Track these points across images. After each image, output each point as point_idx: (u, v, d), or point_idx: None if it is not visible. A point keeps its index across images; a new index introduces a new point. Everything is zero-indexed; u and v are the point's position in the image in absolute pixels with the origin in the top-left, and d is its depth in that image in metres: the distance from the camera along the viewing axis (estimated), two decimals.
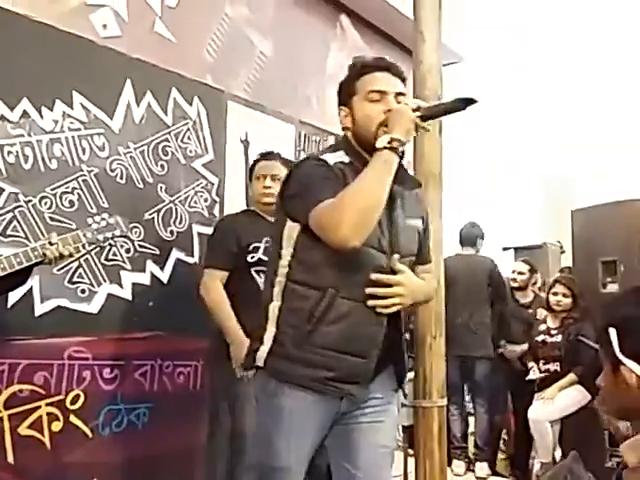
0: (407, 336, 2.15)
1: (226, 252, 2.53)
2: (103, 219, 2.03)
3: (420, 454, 2.30)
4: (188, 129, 3.05)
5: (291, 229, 1.67)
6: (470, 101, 1.59)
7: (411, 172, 2.11)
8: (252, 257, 2.52)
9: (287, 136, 3.54)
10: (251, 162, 2.87)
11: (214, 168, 3.16)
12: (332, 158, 1.69)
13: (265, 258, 2.52)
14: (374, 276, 1.61)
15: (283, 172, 2.63)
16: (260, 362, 1.64)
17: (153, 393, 2.79)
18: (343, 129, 1.81)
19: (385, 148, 1.57)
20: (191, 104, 3.06)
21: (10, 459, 2.30)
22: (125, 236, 2.16)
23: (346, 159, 1.71)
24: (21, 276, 1.91)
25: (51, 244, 1.88)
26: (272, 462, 1.57)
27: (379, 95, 1.70)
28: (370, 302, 1.61)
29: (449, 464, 3.27)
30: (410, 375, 2.18)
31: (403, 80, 1.76)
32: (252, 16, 3.43)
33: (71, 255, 1.95)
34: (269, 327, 1.63)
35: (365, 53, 3.53)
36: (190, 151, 3.06)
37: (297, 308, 1.63)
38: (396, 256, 1.66)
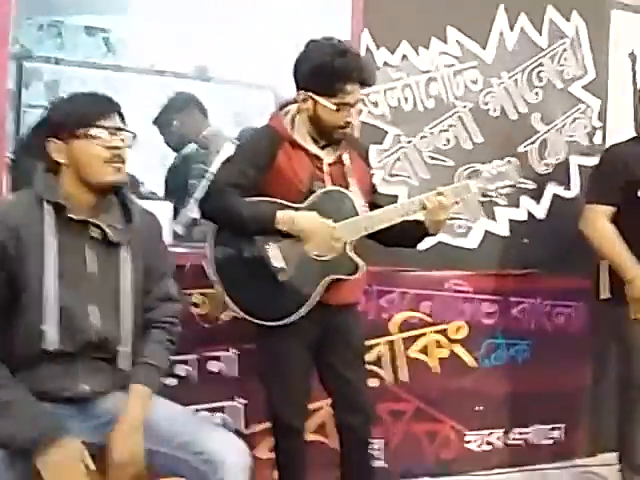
0: None
1: (613, 187, 2.26)
2: (495, 167, 1.93)
3: None
4: (565, 49, 2.78)
5: None
6: None
7: None
8: None
9: None
10: None
11: (595, 90, 2.83)
12: None
13: None
14: None
15: None
16: None
17: (532, 331, 2.73)
18: None
19: None
20: (569, 20, 2.77)
21: (404, 377, 2.54)
22: (516, 186, 2.03)
23: None
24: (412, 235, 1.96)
25: (440, 194, 1.88)
26: None
27: None
28: None
29: None
30: None
31: None
32: None
33: (457, 203, 1.91)
34: None
35: None
36: (567, 73, 2.79)
37: None
38: None
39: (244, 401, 2.29)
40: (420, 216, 1.91)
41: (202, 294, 2.21)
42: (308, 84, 1.85)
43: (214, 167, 2.31)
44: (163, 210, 2.15)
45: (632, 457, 2.27)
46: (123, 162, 1.49)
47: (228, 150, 2.37)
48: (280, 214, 1.82)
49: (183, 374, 2.20)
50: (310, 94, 1.85)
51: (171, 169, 2.51)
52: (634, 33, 2.85)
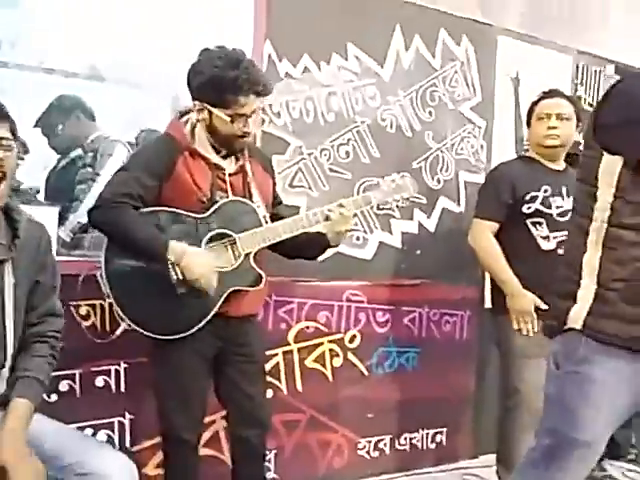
0: None
1: (499, 203, 2.42)
2: (393, 180, 2.02)
3: None
4: (456, 71, 2.94)
5: (611, 164, 1.41)
6: None
7: None
8: (528, 208, 2.37)
9: (563, 69, 3.21)
10: (524, 102, 2.67)
11: (482, 111, 3.01)
12: None
13: (543, 209, 2.37)
14: None
15: (569, 110, 2.41)
16: (576, 323, 1.45)
17: (421, 339, 2.85)
18: None
19: None
20: (459, 44, 2.93)
21: (299, 387, 2.56)
22: (410, 199, 2.12)
23: None
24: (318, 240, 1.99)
25: (341, 206, 1.92)
26: (573, 433, 1.46)
27: None
28: None
29: None
30: None
31: None
32: None
33: (355, 215, 1.98)
34: (585, 283, 1.43)
35: None
36: (458, 94, 2.95)
37: (627, 258, 1.40)
38: None
39: (131, 417, 2.20)
40: (321, 228, 1.94)
41: (91, 306, 2.10)
42: (202, 95, 1.83)
43: (104, 171, 2.21)
44: (47, 216, 2.03)
45: (509, 458, 2.42)
46: (3, 175, 1.39)
47: (120, 153, 2.28)
48: (173, 245, 1.77)
49: (66, 389, 2.08)
50: (205, 105, 1.83)
51: (54, 172, 2.37)
52: (517, 58, 3.07)
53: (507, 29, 3.05)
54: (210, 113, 1.83)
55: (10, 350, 1.45)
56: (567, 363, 1.48)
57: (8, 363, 1.45)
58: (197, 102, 1.85)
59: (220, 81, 1.79)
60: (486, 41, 3.00)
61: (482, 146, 3.03)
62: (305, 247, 2.00)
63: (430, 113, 2.87)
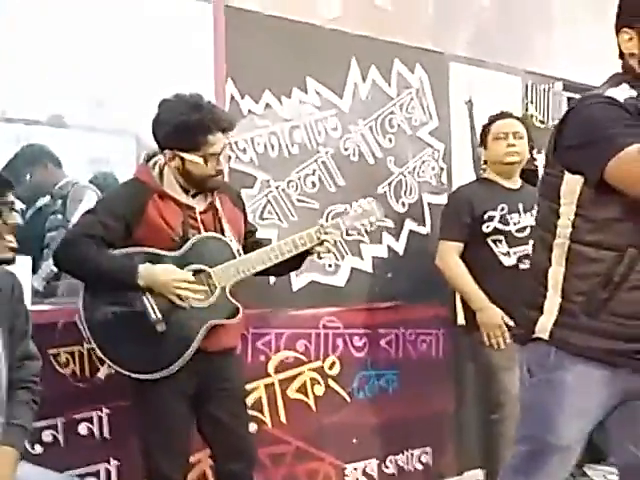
0: None
1: (460, 224, 2.51)
2: (360, 206, 2.08)
3: None
4: (412, 98, 3.05)
5: (572, 183, 1.47)
6: None
7: None
8: (487, 226, 2.48)
9: (513, 89, 3.36)
10: (478, 124, 2.79)
11: (439, 135, 3.12)
12: (619, 93, 1.45)
13: (501, 227, 2.46)
14: None
15: (522, 130, 2.55)
16: (543, 334, 1.51)
17: (399, 360, 2.89)
18: (625, 56, 1.53)
19: None
20: (413, 72, 3.05)
21: (282, 419, 2.56)
22: (377, 223, 2.18)
23: (634, 93, 1.46)
24: (295, 262, 2.03)
25: (322, 231, 1.98)
26: (550, 439, 1.51)
27: None
28: None
29: None
30: None
31: None
32: None
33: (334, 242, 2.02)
34: (551, 295, 1.50)
35: None
36: (415, 120, 3.05)
37: (588, 273, 1.46)
38: None
39: (117, 462, 2.18)
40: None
41: (69, 353, 2.09)
42: (170, 143, 1.88)
43: (75, 217, 2.23)
44: (20, 265, 2.02)
45: (499, 471, 2.45)
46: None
47: (91, 199, 2.30)
48: (142, 268, 1.79)
49: (50, 439, 2.05)
50: (175, 152, 1.87)
51: (24, 222, 2.36)
52: (469, 82, 3.20)
53: (457, 55, 3.18)
54: (182, 159, 1.87)
55: (2, 398, 1.50)
56: (539, 370, 1.55)
57: (2, 412, 1.50)
58: (167, 151, 1.89)
59: (187, 126, 1.84)
60: (438, 68, 3.12)
61: (442, 168, 3.13)
62: (285, 266, 2.03)
63: (390, 140, 2.96)
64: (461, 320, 2.65)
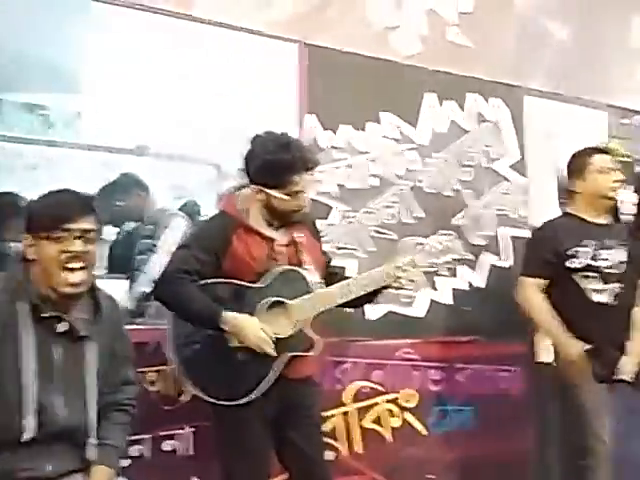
0: None
1: (542, 260, 2.46)
2: (440, 242, 2.09)
3: None
4: (489, 132, 3.05)
5: None
6: None
7: None
8: (572, 262, 2.40)
9: (597, 124, 3.30)
10: (561, 158, 2.75)
11: (518, 168, 3.09)
12: None
13: (592, 263, 2.39)
14: None
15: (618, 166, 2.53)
16: (627, 376, 1.47)
17: (477, 396, 2.83)
18: None
19: None
20: (489, 105, 3.05)
21: (359, 449, 2.55)
22: (461, 256, 2.18)
23: None
24: (372, 295, 2.05)
25: (400, 269, 1.99)
26: None
27: None
28: None
29: None
30: None
31: None
32: (544, 2, 3.30)
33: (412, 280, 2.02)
34: (634, 336, 1.46)
35: None
36: (492, 154, 3.05)
37: None
38: None
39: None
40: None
41: (157, 372, 2.17)
42: (258, 179, 1.95)
43: (161, 242, 2.33)
44: (117, 288, 2.14)
45: None
46: (84, 264, 1.48)
47: (178, 225, 2.41)
48: (225, 315, 1.86)
49: (137, 454, 2.12)
50: (262, 188, 1.95)
51: (115, 244, 2.50)
52: (548, 116, 3.16)
53: (534, 89, 3.17)
54: (267, 195, 1.95)
55: (93, 419, 1.53)
56: (625, 414, 1.45)
57: (92, 432, 1.53)
58: (254, 186, 1.97)
59: (274, 165, 1.92)
60: (516, 102, 3.11)
61: (522, 201, 3.09)
62: (361, 300, 2.05)
63: (467, 172, 2.96)
64: (547, 357, 2.56)
